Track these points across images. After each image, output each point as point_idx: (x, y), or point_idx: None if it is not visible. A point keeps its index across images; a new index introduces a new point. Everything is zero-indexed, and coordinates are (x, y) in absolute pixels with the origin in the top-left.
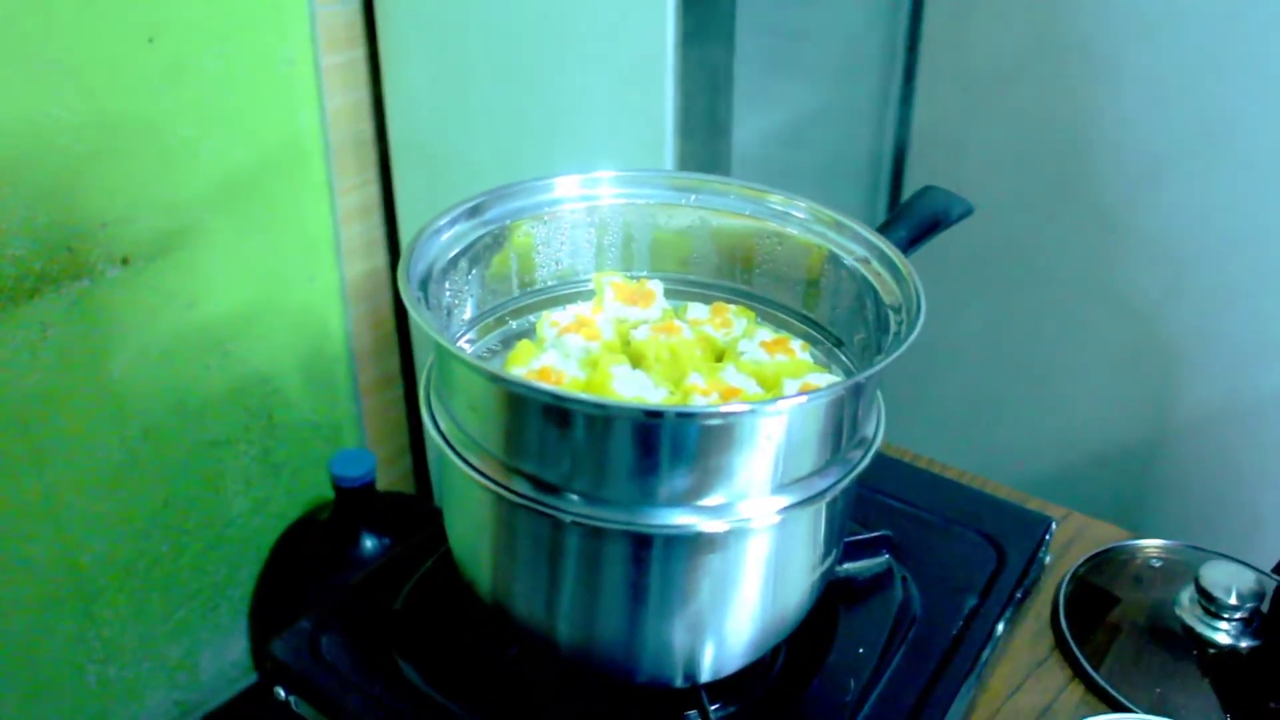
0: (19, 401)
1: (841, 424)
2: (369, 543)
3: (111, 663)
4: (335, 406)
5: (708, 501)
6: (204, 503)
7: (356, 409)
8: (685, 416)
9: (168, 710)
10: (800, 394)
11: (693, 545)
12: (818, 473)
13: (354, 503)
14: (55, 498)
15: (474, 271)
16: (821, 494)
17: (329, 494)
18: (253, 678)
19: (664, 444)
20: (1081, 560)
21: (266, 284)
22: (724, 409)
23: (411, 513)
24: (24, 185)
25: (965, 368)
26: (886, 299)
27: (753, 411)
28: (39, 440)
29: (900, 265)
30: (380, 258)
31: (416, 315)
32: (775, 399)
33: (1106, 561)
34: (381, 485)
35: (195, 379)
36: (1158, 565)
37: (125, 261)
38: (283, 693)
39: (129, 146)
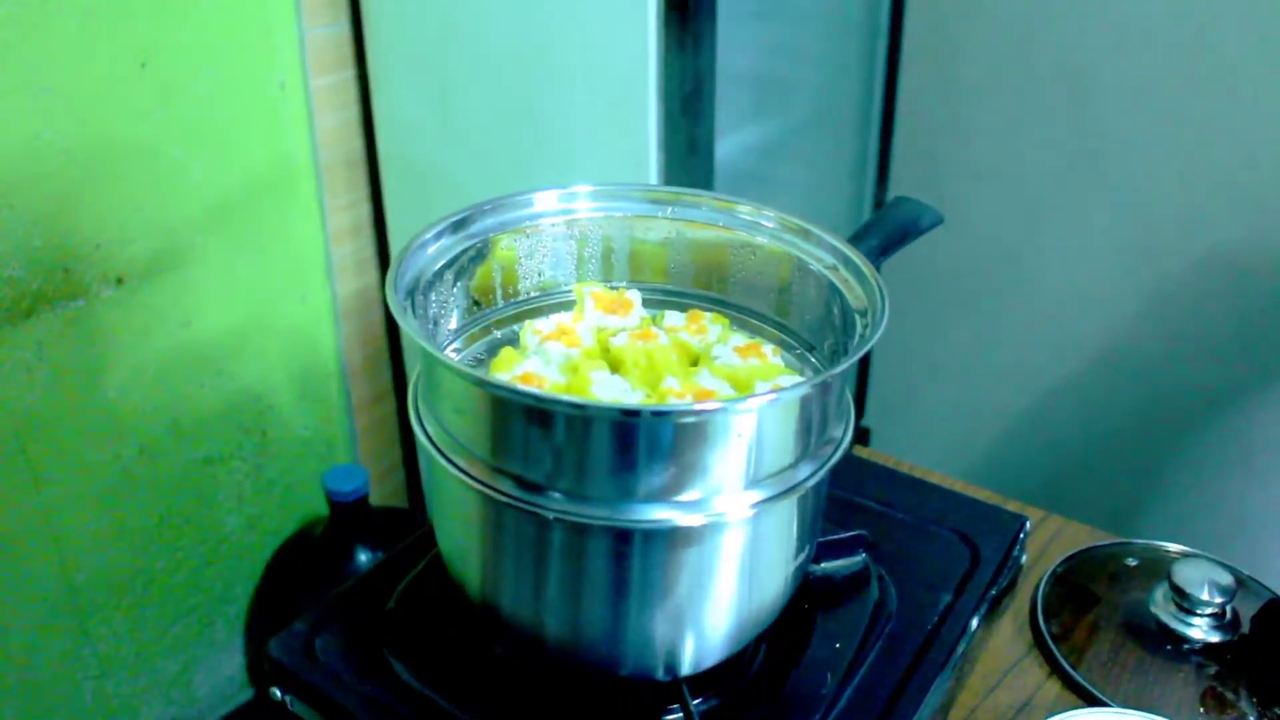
0: (16, 420)
1: (811, 421)
2: (363, 557)
3: (107, 678)
4: (328, 423)
5: (684, 497)
6: (199, 519)
7: (349, 425)
8: (660, 415)
9: None
10: (769, 392)
11: (670, 539)
12: (789, 468)
13: (347, 517)
14: (52, 515)
15: (459, 283)
16: (793, 489)
17: (323, 509)
18: (248, 694)
19: (641, 442)
20: (1059, 560)
21: (259, 303)
22: (697, 407)
23: (405, 527)
24: (20, 207)
25: (951, 378)
26: (853, 303)
27: (724, 409)
28: (36, 458)
29: (865, 270)
30: (371, 276)
31: (403, 324)
32: (745, 397)
33: (1084, 561)
34: (374, 500)
35: (189, 397)
36: (1134, 565)
37: (120, 282)
38: (279, 693)
39: (122, 169)
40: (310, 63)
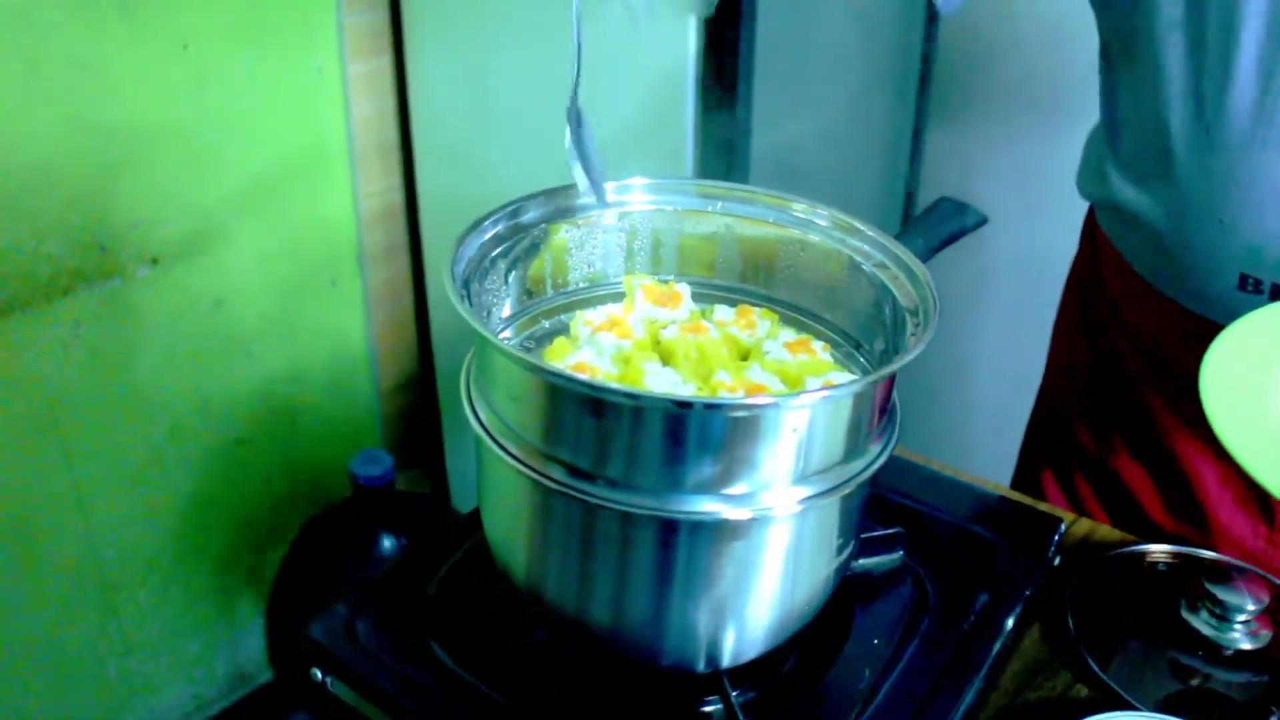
0: (50, 397)
1: (860, 419)
2: (387, 542)
3: (131, 656)
4: (355, 408)
5: (732, 490)
6: (226, 500)
7: (376, 411)
8: (713, 408)
9: (185, 705)
10: (822, 388)
11: (717, 532)
12: (837, 466)
13: (372, 502)
14: (82, 493)
15: (513, 272)
16: (840, 486)
17: (348, 493)
18: (268, 675)
19: (692, 434)
20: (1090, 563)
21: (290, 287)
22: (750, 401)
23: (428, 513)
24: (60, 187)
25: (978, 380)
26: (904, 303)
27: (776, 404)
28: (68, 436)
29: (917, 270)
30: (402, 263)
31: (461, 310)
32: (798, 393)
33: (1114, 564)
34: (399, 486)
35: (220, 378)
36: (1164, 569)
37: (155, 262)
38: (319, 674)
39: (159, 150)
40: (348, 49)
